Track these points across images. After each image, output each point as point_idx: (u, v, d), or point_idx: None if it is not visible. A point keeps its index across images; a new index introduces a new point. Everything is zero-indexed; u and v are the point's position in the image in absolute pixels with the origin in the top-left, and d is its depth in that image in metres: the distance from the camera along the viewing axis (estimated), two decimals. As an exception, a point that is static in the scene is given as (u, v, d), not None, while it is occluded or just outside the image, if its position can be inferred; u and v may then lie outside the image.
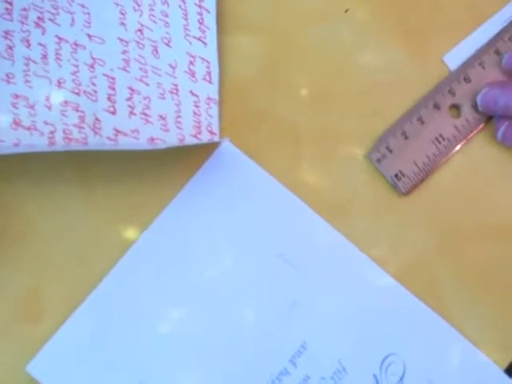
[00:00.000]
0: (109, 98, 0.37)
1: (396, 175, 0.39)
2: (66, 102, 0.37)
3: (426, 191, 0.39)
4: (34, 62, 0.37)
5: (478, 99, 0.39)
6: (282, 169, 0.38)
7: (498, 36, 0.40)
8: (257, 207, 0.38)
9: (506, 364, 0.38)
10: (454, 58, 0.40)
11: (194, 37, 0.38)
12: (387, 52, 0.40)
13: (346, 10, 0.40)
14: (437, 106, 0.39)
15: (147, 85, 0.37)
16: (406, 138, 0.39)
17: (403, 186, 0.39)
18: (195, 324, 0.37)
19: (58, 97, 0.37)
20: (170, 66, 0.38)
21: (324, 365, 0.37)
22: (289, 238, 0.38)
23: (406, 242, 0.39)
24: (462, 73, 0.40)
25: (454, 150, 0.40)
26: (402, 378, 0.37)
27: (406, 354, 0.38)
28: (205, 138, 0.38)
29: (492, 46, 0.40)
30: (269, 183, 0.38)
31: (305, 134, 0.39)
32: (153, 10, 0.38)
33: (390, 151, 0.39)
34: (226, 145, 0.38)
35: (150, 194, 0.37)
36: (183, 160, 0.38)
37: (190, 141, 0.37)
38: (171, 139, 0.37)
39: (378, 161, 0.39)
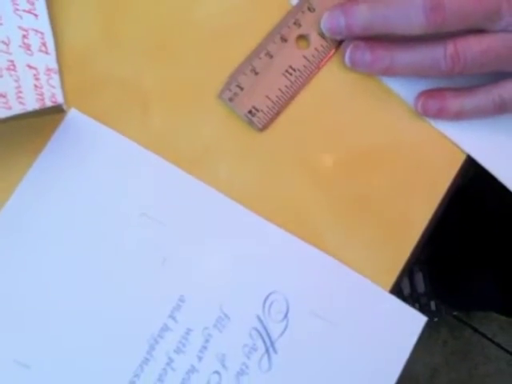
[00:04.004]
0: None
1: (250, 111, 0.38)
2: None
3: (284, 125, 0.39)
4: None
5: (322, 25, 0.38)
6: (134, 128, 0.37)
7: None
8: (113, 169, 0.37)
9: (390, 285, 0.37)
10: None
11: (24, 10, 0.38)
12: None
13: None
14: (284, 39, 0.39)
15: (-18, 66, 0.37)
16: (256, 73, 0.38)
17: (258, 121, 0.38)
18: (68, 289, 0.36)
19: None
20: (3, 42, 0.37)
21: (205, 314, 0.36)
22: (150, 194, 0.37)
23: (272, 179, 0.38)
24: (306, 3, 0.39)
25: (306, 81, 0.39)
26: (286, 315, 0.36)
27: (288, 290, 0.37)
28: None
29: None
30: (122, 144, 0.37)
31: (152, 91, 0.38)
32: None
33: (241, 89, 0.38)
34: (73, 113, 0.37)
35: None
36: (29, 136, 0.37)
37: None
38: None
39: (231, 99, 0.38)
